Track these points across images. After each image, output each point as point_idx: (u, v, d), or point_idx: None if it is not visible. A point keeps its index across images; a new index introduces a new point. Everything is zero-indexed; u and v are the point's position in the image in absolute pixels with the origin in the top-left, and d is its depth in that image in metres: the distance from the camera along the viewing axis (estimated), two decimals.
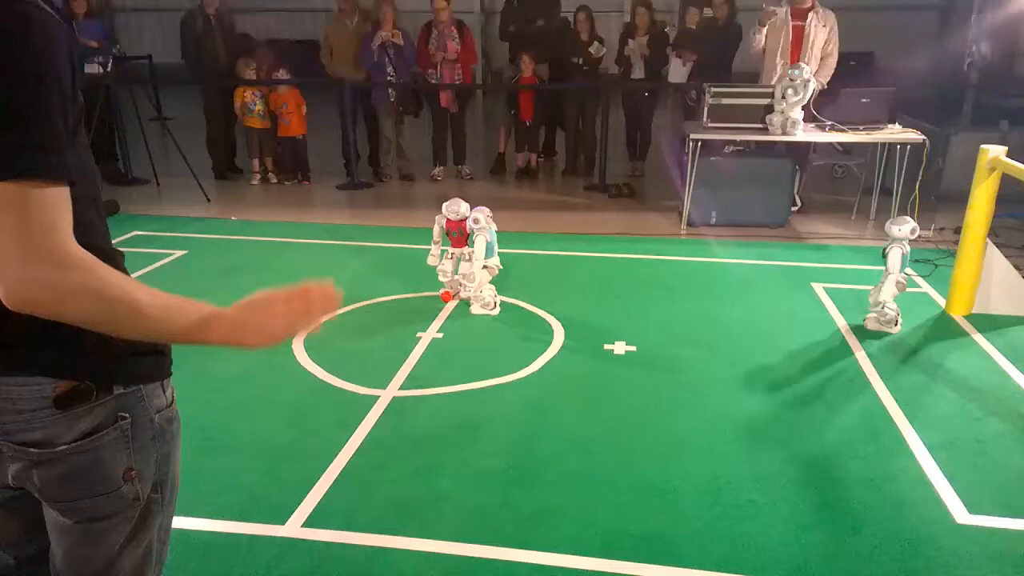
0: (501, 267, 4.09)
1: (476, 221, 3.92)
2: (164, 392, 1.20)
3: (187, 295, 3.62)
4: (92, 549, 1.19)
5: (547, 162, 7.89)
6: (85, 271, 0.96)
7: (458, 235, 4.06)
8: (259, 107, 6.80)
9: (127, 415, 1.13)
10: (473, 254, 3.94)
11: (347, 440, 2.79)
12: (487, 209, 3.97)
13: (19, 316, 0.97)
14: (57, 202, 0.95)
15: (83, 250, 0.97)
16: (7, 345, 1.04)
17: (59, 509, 1.15)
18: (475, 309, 3.97)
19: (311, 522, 2.34)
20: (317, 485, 2.52)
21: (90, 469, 1.11)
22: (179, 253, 4.99)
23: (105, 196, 5.90)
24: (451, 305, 4.10)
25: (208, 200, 6.39)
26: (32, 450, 1.08)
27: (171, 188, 6.80)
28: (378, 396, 3.12)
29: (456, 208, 4.00)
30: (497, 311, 3.98)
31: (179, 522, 2.32)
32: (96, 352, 1.07)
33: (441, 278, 4.13)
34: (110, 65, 6.41)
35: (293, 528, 2.31)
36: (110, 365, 1.10)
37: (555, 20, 7.48)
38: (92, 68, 6.51)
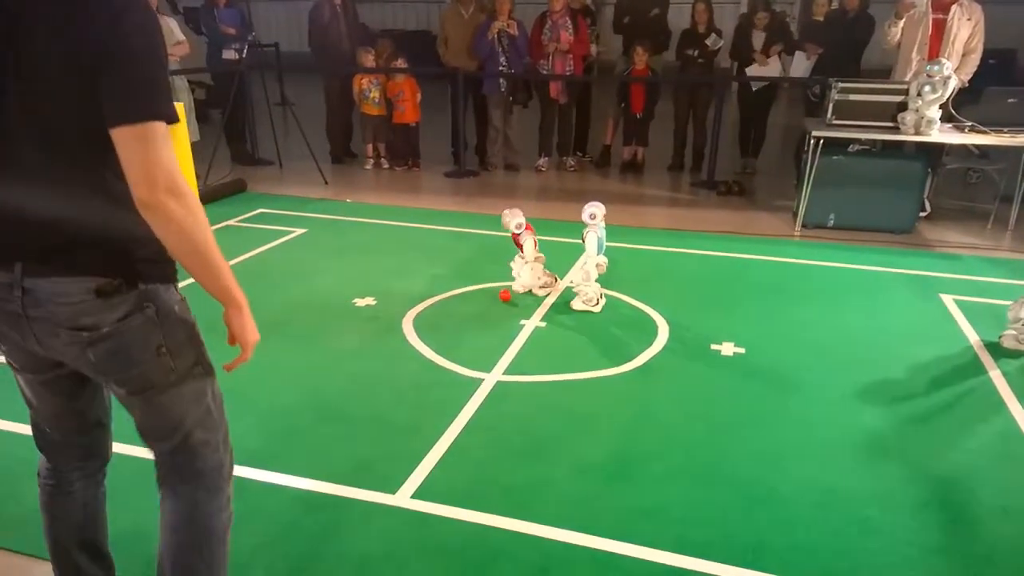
0: (607, 263, 4.05)
1: (592, 217, 3.91)
2: (176, 290, 1.53)
3: (308, 271, 3.96)
4: (157, 414, 1.54)
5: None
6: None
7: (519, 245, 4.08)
8: (375, 94, 7.04)
9: (150, 304, 1.45)
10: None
11: (453, 419, 2.86)
12: (602, 206, 3.94)
13: (72, 231, 1.36)
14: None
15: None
16: (63, 252, 1.37)
17: (114, 381, 1.50)
18: (576, 304, 3.94)
19: (419, 494, 2.41)
20: (425, 459, 2.59)
21: (129, 345, 1.45)
22: (299, 231, 5.25)
23: (234, 175, 6.28)
24: (553, 296, 4.11)
25: (326, 182, 6.69)
26: (85, 333, 1.40)
27: (292, 170, 7.17)
28: (483, 379, 3.17)
29: (507, 220, 4.02)
30: (599, 309, 3.93)
31: (295, 481, 2.47)
32: (125, 258, 1.41)
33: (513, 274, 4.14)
34: (245, 51, 6.78)
35: (403, 498, 2.40)
36: (135, 268, 1.43)
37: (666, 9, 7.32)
38: (229, 54, 6.93)
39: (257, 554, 2.14)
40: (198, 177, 5.24)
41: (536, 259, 4.07)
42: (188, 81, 6.73)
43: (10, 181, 1.34)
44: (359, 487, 2.45)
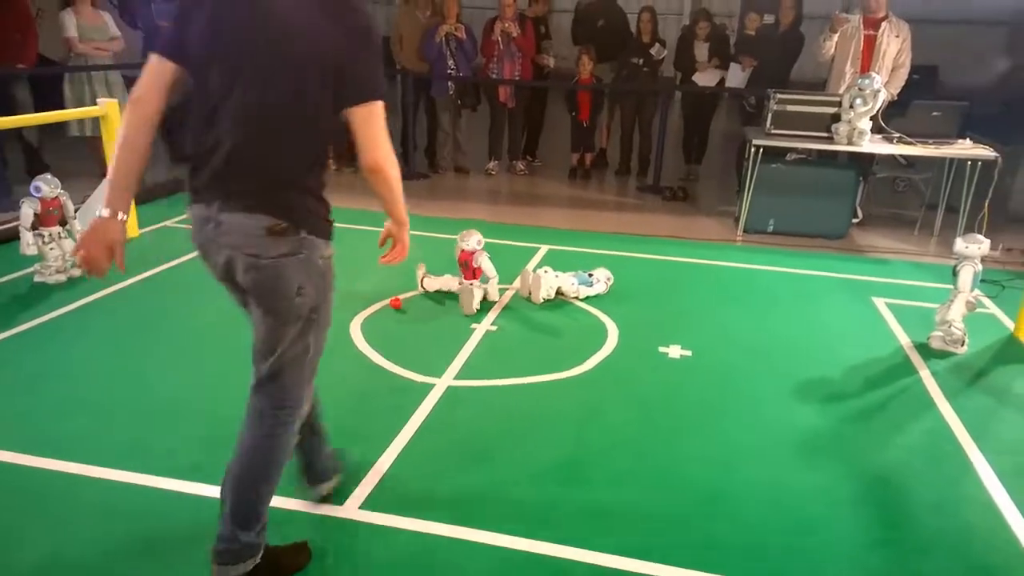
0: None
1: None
2: (328, 247, 1.86)
3: None
4: (271, 336, 1.86)
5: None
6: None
7: (469, 266, 3.99)
8: None
9: (304, 252, 1.79)
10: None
11: (403, 426, 2.82)
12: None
13: (256, 180, 1.73)
14: None
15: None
16: (247, 196, 1.74)
17: (255, 299, 1.83)
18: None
19: (368, 504, 2.37)
20: (374, 468, 2.55)
21: (278, 277, 1.78)
22: None
23: (172, 175, 6.02)
24: (506, 298, 4.12)
25: None
26: (254, 257, 1.76)
27: None
28: (433, 384, 3.14)
29: (468, 239, 3.96)
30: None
31: None
32: (296, 209, 1.76)
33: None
34: None
35: (351, 510, 2.35)
36: (302, 218, 1.77)
37: (617, 20, 7.46)
38: None
39: (199, 572, 2.06)
40: None
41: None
42: (123, 77, 6.46)
43: (236, 147, 1.71)
44: (305, 499, 2.38)
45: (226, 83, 1.69)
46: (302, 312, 1.84)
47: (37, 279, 4.08)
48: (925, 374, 3.43)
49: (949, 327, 3.64)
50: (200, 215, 1.79)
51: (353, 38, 1.71)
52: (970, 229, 4.87)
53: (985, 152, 5.20)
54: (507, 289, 4.25)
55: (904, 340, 3.79)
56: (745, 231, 5.61)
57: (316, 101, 1.70)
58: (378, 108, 1.77)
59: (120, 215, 1.74)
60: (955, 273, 3.63)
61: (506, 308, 4.01)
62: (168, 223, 5.20)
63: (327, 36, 1.68)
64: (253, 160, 1.73)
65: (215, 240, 1.78)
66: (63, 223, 4.14)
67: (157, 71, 1.75)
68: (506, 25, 6.81)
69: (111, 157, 1.79)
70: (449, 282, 4.12)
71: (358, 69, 1.72)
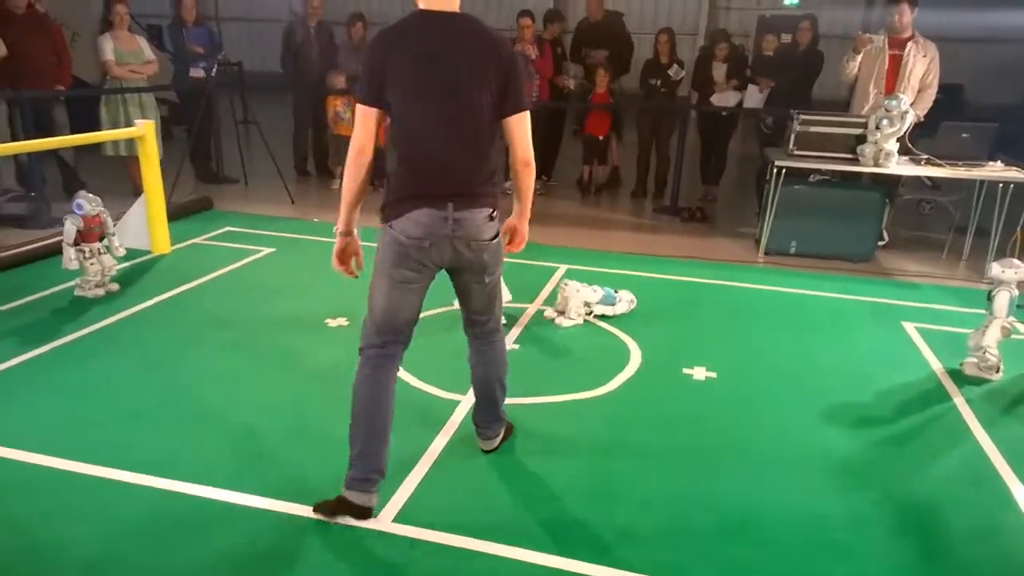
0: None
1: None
2: None
3: (279, 290, 4.01)
4: (491, 295, 2.52)
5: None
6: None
7: None
8: (348, 114, 7.01)
9: (499, 228, 2.39)
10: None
11: (432, 441, 2.82)
12: None
13: (478, 183, 2.26)
14: None
15: None
16: (473, 195, 2.26)
17: (487, 273, 2.41)
18: (564, 321, 4.06)
19: (401, 518, 2.37)
20: (405, 482, 2.55)
21: (498, 249, 2.40)
22: (268, 250, 5.16)
23: (199, 193, 6.18)
24: (526, 317, 4.12)
25: (292, 201, 6.61)
26: (483, 241, 2.32)
27: (258, 188, 7.06)
28: (459, 401, 3.14)
29: None
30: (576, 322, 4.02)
31: (269, 504, 2.40)
32: (494, 197, 2.34)
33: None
34: (214, 70, 6.70)
35: (384, 522, 2.34)
36: (496, 203, 2.35)
37: (620, 39, 7.50)
38: (197, 72, 6.84)
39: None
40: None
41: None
42: (156, 99, 6.62)
43: (452, 159, 2.23)
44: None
45: (435, 117, 2.19)
46: (500, 270, 2.50)
47: (77, 293, 4.17)
48: (959, 400, 3.36)
49: (984, 353, 3.57)
50: (433, 217, 2.23)
51: (510, 67, 2.22)
52: (1001, 253, 4.81)
53: (1018, 174, 5.13)
54: (525, 309, 4.26)
55: (936, 366, 3.73)
56: (767, 253, 5.57)
57: (492, 118, 2.24)
58: (527, 116, 2.29)
59: (355, 231, 2.34)
60: (990, 298, 3.57)
61: (527, 327, 4.01)
62: (198, 240, 5.27)
63: (494, 68, 2.19)
64: (467, 167, 2.25)
65: (452, 234, 2.25)
66: (101, 238, 4.24)
67: (367, 116, 2.21)
68: (524, 47, 6.88)
69: (344, 189, 2.27)
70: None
71: (513, 88, 2.23)
